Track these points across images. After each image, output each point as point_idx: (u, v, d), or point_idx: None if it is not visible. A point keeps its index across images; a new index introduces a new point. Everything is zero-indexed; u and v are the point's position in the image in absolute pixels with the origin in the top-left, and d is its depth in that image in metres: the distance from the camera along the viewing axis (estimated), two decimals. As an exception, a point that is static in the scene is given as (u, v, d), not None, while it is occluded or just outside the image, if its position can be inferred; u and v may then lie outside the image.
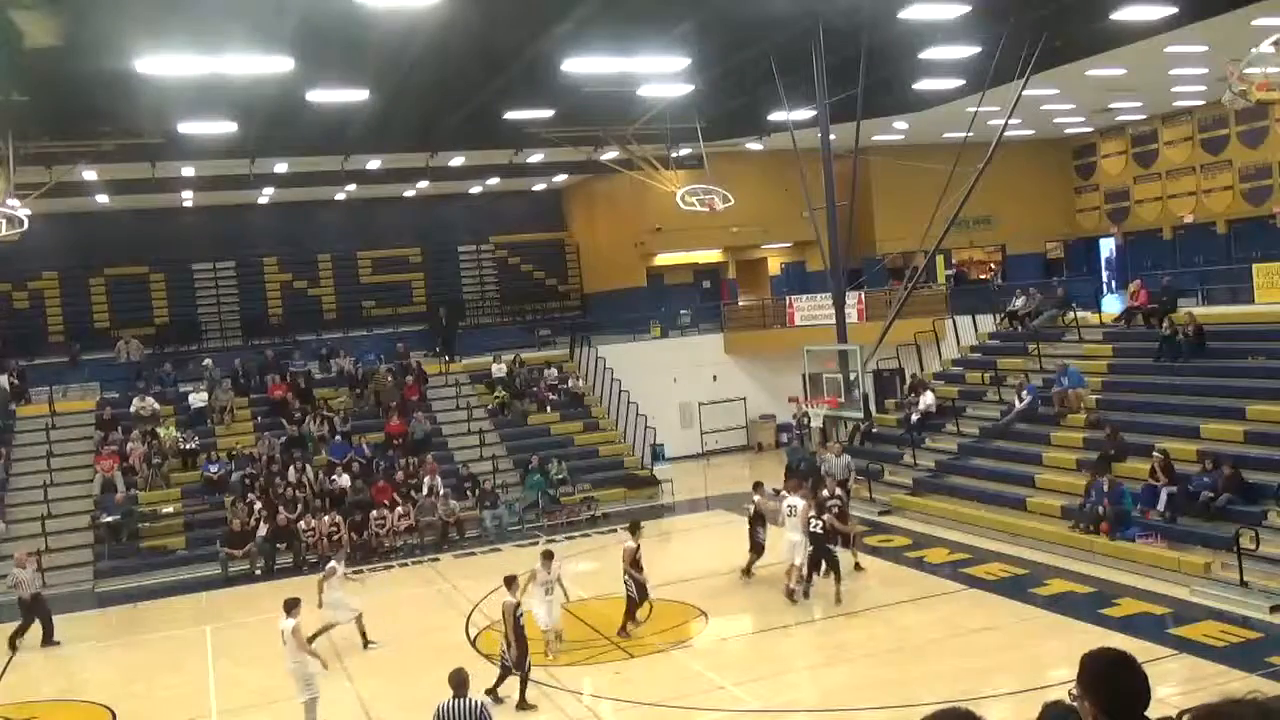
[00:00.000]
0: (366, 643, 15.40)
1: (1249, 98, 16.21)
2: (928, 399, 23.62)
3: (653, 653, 14.19)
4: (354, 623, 15.39)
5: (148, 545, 22.05)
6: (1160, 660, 12.00)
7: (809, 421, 24.97)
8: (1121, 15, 19.50)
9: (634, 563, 14.79)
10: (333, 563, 15.80)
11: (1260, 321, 20.29)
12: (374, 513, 22.15)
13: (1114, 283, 35.69)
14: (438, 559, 21.25)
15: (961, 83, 24.11)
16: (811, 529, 15.78)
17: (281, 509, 21.83)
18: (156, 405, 25.65)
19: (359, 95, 19.72)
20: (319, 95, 19.56)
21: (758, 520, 17.43)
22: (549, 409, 27.67)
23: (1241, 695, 2.75)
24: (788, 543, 16.22)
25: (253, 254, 35.67)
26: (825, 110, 23.64)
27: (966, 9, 17.47)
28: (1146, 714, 3.27)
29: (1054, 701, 3.79)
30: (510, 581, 12.93)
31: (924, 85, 24.79)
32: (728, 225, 32.47)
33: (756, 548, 17.36)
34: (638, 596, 14.83)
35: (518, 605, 12.64)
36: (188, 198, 31.46)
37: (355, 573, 20.47)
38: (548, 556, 14.11)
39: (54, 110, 20.19)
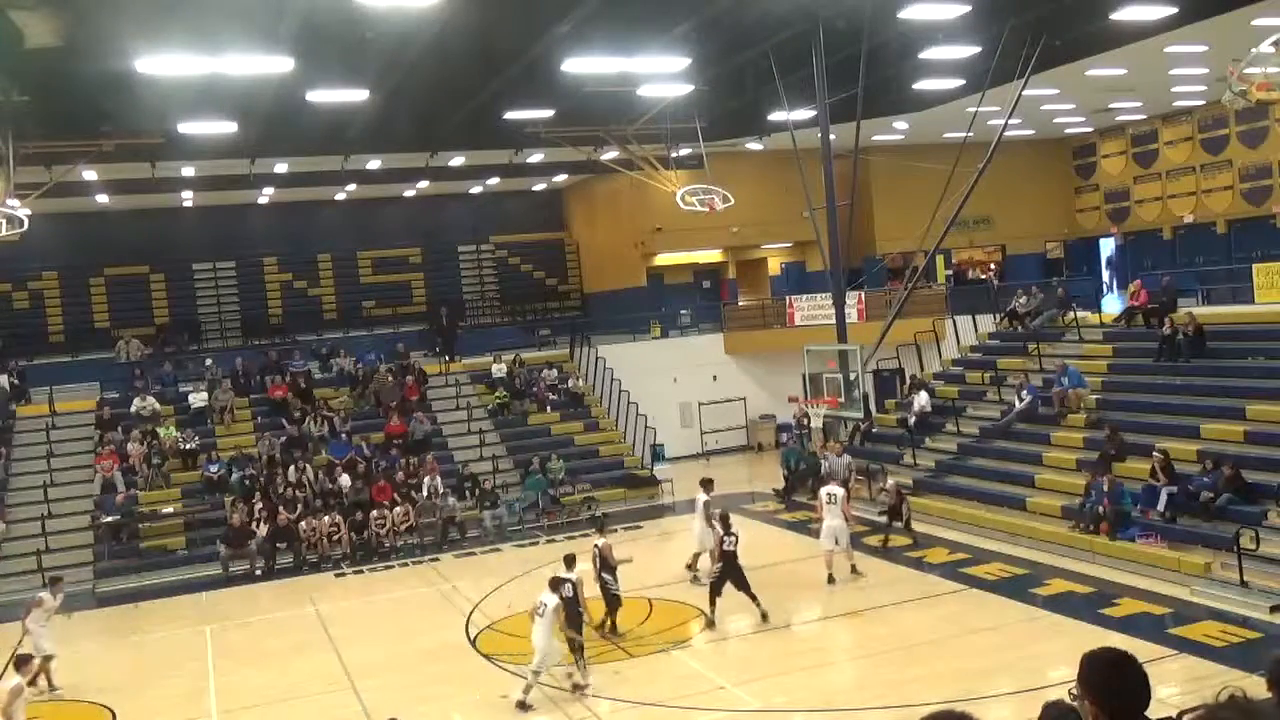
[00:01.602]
0: (51, 687, 14.35)
1: (1249, 98, 16.21)
2: (922, 399, 23.61)
3: (653, 653, 14.19)
4: (42, 663, 14.11)
5: (148, 545, 22.05)
6: (1160, 660, 11.99)
7: (809, 421, 24.96)
8: (1121, 15, 19.50)
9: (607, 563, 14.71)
10: (43, 593, 14.74)
11: (1260, 321, 20.29)
12: (374, 513, 22.15)
13: (1114, 283, 35.69)
14: (438, 559, 21.24)
15: (961, 83, 24.10)
16: (725, 548, 14.97)
17: (281, 509, 21.83)
18: (156, 405, 25.65)
19: (359, 95, 19.70)
20: (319, 95, 19.55)
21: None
22: (549, 409, 27.67)
23: (1223, 695, 2.77)
24: (827, 529, 16.93)
25: (253, 254, 35.66)
26: (825, 110, 23.65)
27: (966, 9, 17.47)
28: (1146, 714, 3.28)
29: (1054, 701, 3.79)
30: (570, 560, 13.60)
31: (924, 85, 24.78)
32: (728, 225, 32.47)
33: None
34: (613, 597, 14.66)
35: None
36: (188, 198, 31.45)
37: (343, 574, 20.52)
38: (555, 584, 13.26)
39: (54, 110, 20.20)
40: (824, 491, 17.55)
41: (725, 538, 15.09)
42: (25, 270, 32.33)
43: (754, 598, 15.02)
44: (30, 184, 22.09)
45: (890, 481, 20.31)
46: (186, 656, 15.89)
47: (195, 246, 34.65)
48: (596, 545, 14.96)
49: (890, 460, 23.20)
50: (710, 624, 15.08)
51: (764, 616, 14.99)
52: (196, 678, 14.81)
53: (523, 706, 12.41)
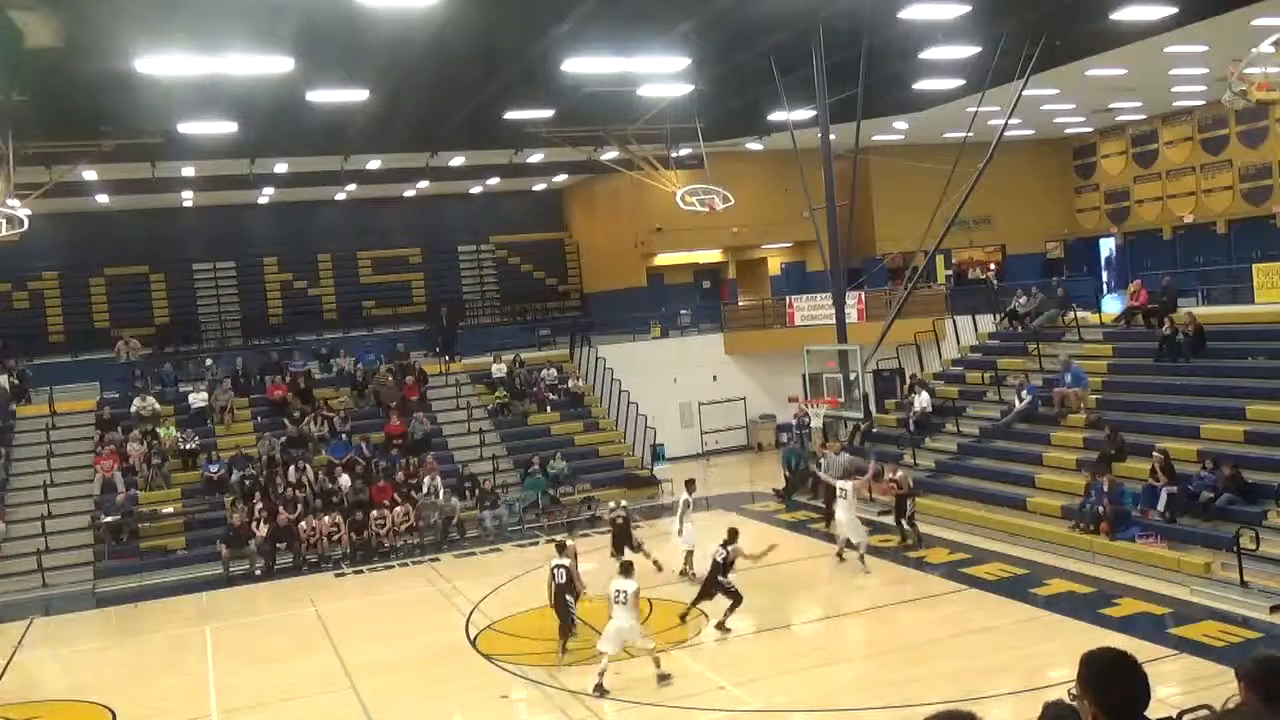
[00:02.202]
0: None
1: (1249, 98, 16.21)
2: (923, 399, 23.61)
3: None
4: None
5: (148, 545, 22.04)
6: (1160, 660, 11.99)
7: (809, 421, 24.98)
8: (1121, 15, 19.49)
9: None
10: None
11: (1260, 321, 20.29)
12: (374, 513, 22.15)
13: (1114, 283, 35.68)
14: (438, 559, 21.24)
15: (961, 83, 24.09)
16: (717, 558, 14.74)
17: (281, 509, 21.83)
18: (156, 405, 25.64)
19: (359, 95, 19.70)
20: (319, 95, 19.55)
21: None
22: (549, 409, 27.67)
23: (1231, 703, 2.78)
24: (838, 523, 17.92)
25: (253, 254, 35.67)
26: (825, 110, 23.64)
27: (966, 9, 17.45)
28: (1146, 714, 3.28)
29: (1054, 701, 3.79)
30: (562, 547, 14.45)
31: (924, 85, 24.78)
32: (728, 225, 32.48)
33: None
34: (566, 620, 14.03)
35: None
36: (188, 198, 31.46)
37: (343, 574, 20.51)
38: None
39: (54, 110, 20.18)
40: (837, 485, 18.40)
41: (721, 549, 14.84)
42: (25, 270, 32.34)
43: (730, 608, 14.73)
44: (30, 184, 22.10)
45: (900, 473, 19.76)
46: (186, 656, 15.89)
47: (195, 246, 34.68)
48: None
49: (890, 460, 23.13)
50: (682, 619, 15.08)
51: (722, 625, 14.66)
52: (196, 677, 14.80)
53: (664, 679, 12.76)
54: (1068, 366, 21.22)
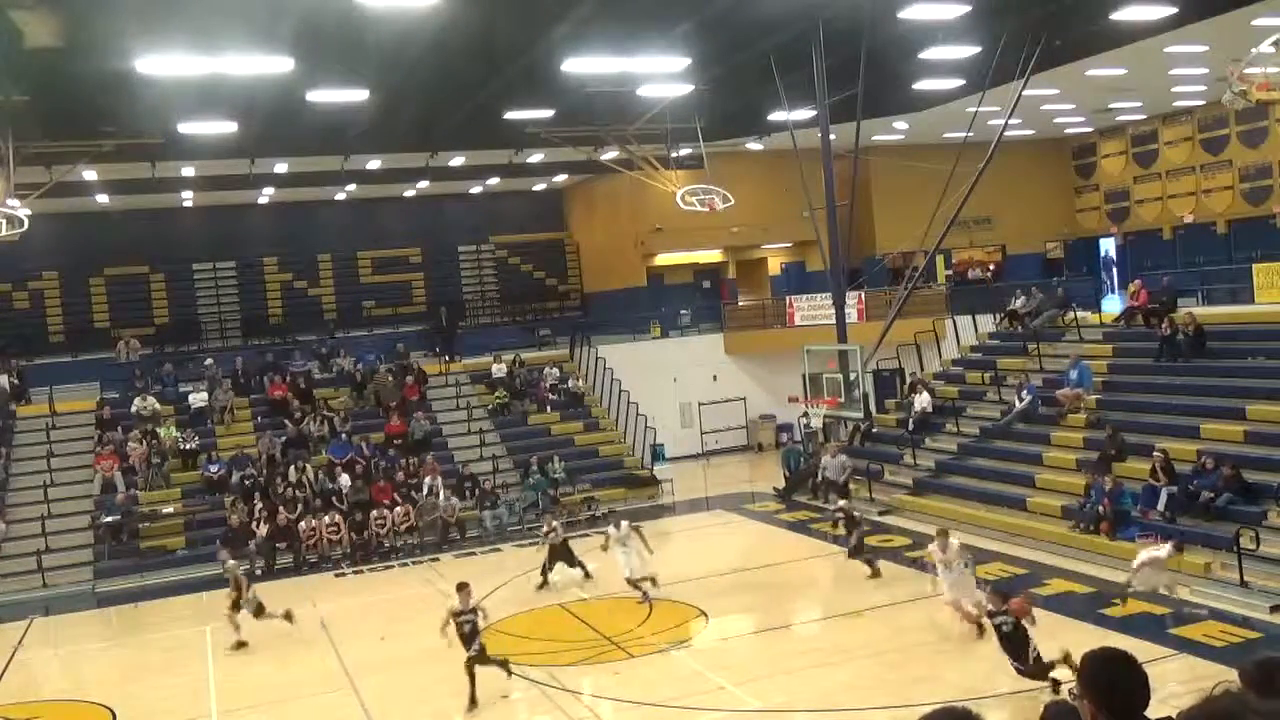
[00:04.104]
0: None
1: (1249, 98, 16.22)
2: (923, 399, 23.60)
3: (653, 653, 14.19)
4: None
5: (148, 545, 22.04)
6: (1160, 660, 12.00)
7: (809, 422, 25.00)
8: (1121, 15, 19.50)
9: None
10: None
11: (1260, 321, 20.29)
12: (374, 513, 22.15)
13: (1114, 283, 35.68)
14: (438, 559, 21.24)
15: (961, 83, 24.09)
16: (1003, 628, 11.75)
17: (281, 509, 21.83)
18: (157, 405, 25.63)
19: (359, 95, 19.71)
20: (319, 95, 19.56)
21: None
22: (549, 409, 27.67)
23: (1221, 691, 2.77)
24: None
25: (253, 254, 35.66)
26: (825, 110, 23.65)
27: (966, 9, 17.46)
28: (1146, 714, 3.28)
29: (1055, 701, 3.80)
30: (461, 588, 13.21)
31: (924, 85, 24.78)
32: (728, 225, 32.45)
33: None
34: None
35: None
36: (188, 198, 31.45)
37: (343, 574, 20.52)
38: None
39: (54, 110, 20.16)
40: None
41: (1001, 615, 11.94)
42: (25, 270, 32.32)
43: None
44: (30, 184, 22.08)
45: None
46: (186, 656, 15.88)
47: (195, 246, 34.64)
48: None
49: (890, 460, 23.19)
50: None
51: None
52: (196, 677, 14.80)
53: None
54: (1075, 363, 21.20)
